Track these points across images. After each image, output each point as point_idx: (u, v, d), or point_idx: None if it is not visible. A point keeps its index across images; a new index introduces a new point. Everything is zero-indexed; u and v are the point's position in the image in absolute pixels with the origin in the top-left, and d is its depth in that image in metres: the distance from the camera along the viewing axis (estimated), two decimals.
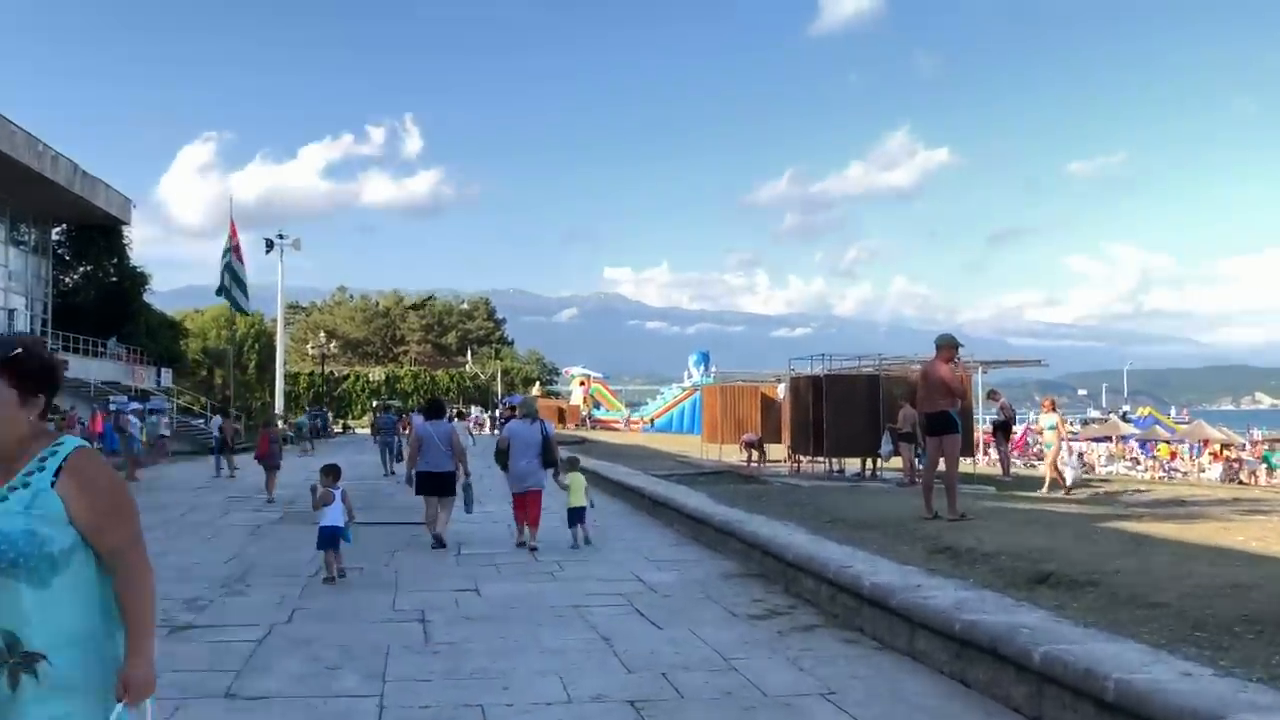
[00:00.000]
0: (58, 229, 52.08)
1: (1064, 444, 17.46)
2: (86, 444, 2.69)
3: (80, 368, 43.73)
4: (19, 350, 2.54)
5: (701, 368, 76.61)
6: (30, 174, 40.29)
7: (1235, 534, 9.29)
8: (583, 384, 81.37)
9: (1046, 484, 16.68)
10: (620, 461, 23.68)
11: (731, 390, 26.07)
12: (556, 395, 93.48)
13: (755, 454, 23.39)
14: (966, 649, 5.93)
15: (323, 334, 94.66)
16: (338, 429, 63.53)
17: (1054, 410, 17.66)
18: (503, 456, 11.70)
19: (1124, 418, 63.83)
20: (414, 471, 11.79)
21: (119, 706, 2.51)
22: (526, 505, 11.46)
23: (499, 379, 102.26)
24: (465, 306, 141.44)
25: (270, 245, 60.92)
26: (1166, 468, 42.08)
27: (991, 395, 19.56)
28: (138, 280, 56.36)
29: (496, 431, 50.06)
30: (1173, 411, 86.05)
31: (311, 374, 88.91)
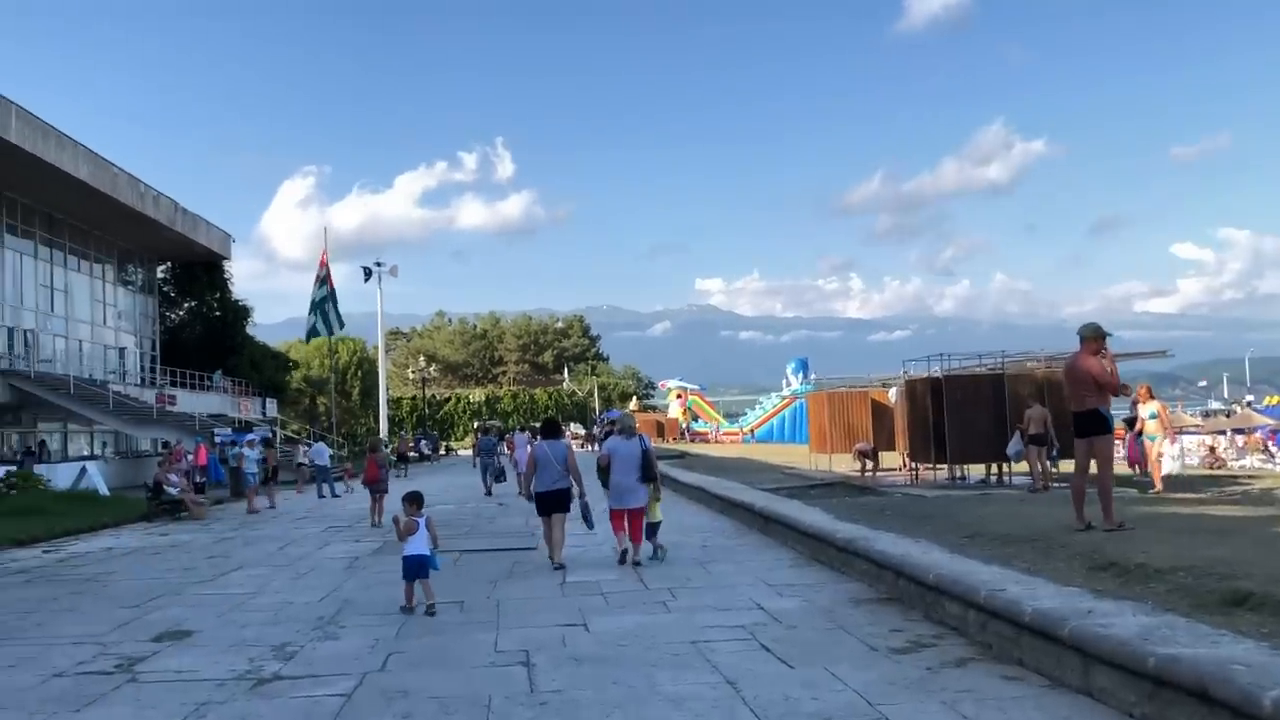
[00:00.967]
0: (162, 267, 53.43)
1: (1166, 435, 15.92)
2: None
3: (187, 401, 44.67)
4: None
5: (800, 375, 75.27)
6: (133, 214, 41.30)
7: None
8: (680, 397, 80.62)
9: (1158, 482, 15.29)
10: (724, 475, 22.82)
11: (839, 397, 24.97)
12: (653, 409, 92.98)
13: (869, 463, 22.30)
14: (1163, 689, 4.99)
15: (422, 358, 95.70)
16: (440, 451, 63.80)
17: (1152, 398, 16.14)
18: (604, 473, 11.60)
19: (1249, 407, 60.57)
20: (532, 491, 11.62)
21: None
22: (629, 521, 11.36)
23: (596, 395, 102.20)
24: (560, 325, 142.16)
25: (368, 274, 61.76)
26: None
27: (1123, 389, 18.19)
28: (240, 313, 57.50)
29: (592, 447, 49.63)
30: None
31: (414, 398, 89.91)
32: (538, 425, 15.15)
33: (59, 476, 28.56)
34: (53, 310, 40.77)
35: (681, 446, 55.89)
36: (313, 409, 71.94)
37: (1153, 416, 15.82)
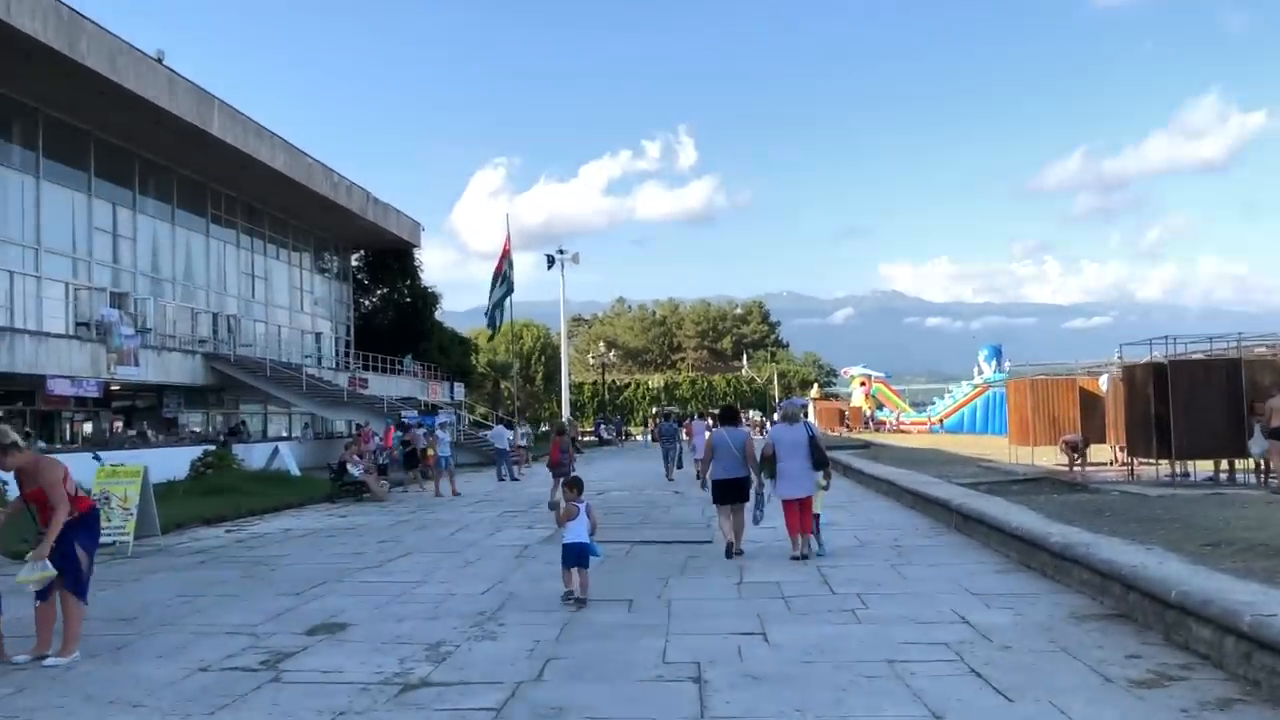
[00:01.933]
0: (356, 255, 55.33)
1: None
2: None
3: (379, 385, 46.01)
4: None
5: (993, 363, 71.73)
6: (327, 203, 42.74)
7: None
8: (863, 384, 78.27)
9: None
10: (914, 467, 21.45)
11: (1043, 384, 23.03)
12: (835, 397, 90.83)
13: (1077, 457, 20.47)
14: None
15: (602, 344, 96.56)
16: (621, 436, 64.04)
17: None
18: (769, 464, 11.15)
19: None
20: (710, 479, 11.46)
21: None
22: (800, 512, 10.89)
23: (776, 382, 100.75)
24: (739, 311, 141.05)
25: (551, 261, 62.36)
26: None
27: None
28: (429, 300, 59.00)
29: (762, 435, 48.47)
30: None
31: (595, 383, 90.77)
32: (716, 412, 14.70)
33: (254, 456, 29.65)
34: (254, 297, 42.61)
35: (866, 436, 54.03)
36: (496, 393, 73.40)
37: None
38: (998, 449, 31.58)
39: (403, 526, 15.30)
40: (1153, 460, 16.99)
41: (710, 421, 25.00)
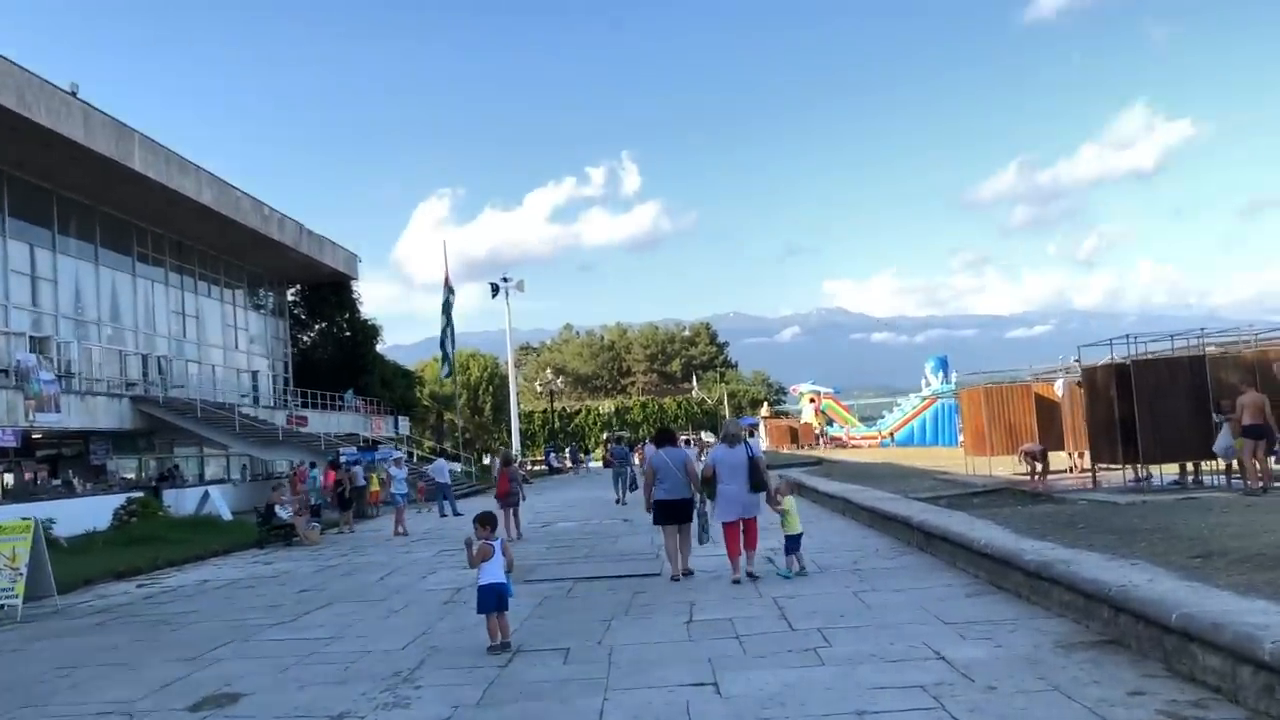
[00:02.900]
0: (292, 290, 53.93)
1: None
2: None
3: (319, 422, 44.64)
4: None
5: (940, 374, 71.79)
6: (258, 237, 41.46)
7: None
8: (813, 401, 77.94)
9: None
10: (869, 483, 20.76)
11: (998, 392, 22.45)
12: (785, 414, 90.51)
13: (1038, 465, 19.88)
14: None
15: (549, 370, 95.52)
16: (568, 463, 62.81)
17: None
18: (709, 485, 10.95)
19: None
20: (652, 500, 11.20)
21: None
22: (742, 533, 10.69)
23: (726, 402, 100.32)
24: (687, 333, 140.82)
25: (495, 289, 61.44)
26: None
27: None
28: (370, 332, 57.70)
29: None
30: None
31: (545, 411, 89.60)
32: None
33: (186, 502, 28.31)
34: (185, 336, 41.15)
35: (817, 453, 53.49)
36: (440, 425, 71.99)
37: None
38: (952, 460, 31.09)
39: (329, 573, 14.23)
40: (1117, 466, 16.42)
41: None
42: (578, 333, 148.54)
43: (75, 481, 31.17)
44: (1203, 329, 15.42)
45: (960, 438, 63.43)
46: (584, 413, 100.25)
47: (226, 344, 44.88)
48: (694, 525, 11.19)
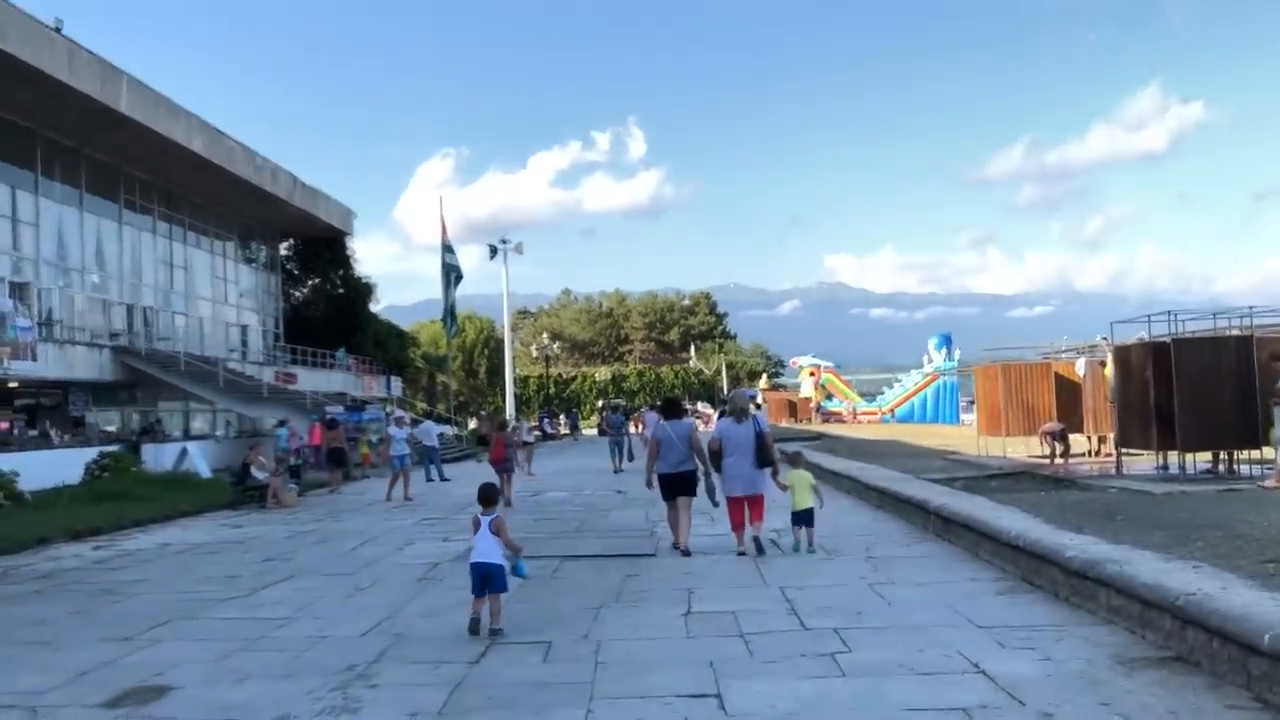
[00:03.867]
0: (285, 244, 52.81)
1: None
2: None
3: (309, 380, 43.65)
4: None
5: (943, 351, 70.86)
6: (251, 189, 40.29)
7: None
8: (812, 374, 76.98)
9: None
10: (875, 460, 19.85)
11: (1015, 370, 21.43)
12: (783, 388, 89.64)
13: (1059, 447, 18.93)
14: None
15: (545, 335, 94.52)
16: (564, 430, 61.90)
17: None
18: (715, 459, 10.70)
19: None
20: (655, 474, 10.85)
21: None
22: (746, 510, 10.48)
23: (724, 373, 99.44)
24: (686, 302, 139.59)
25: (494, 251, 60.35)
26: None
27: None
28: (364, 290, 56.71)
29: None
30: None
31: (541, 376, 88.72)
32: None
33: (167, 457, 27.40)
34: (173, 287, 40.07)
35: (817, 427, 52.60)
36: (433, 387, 71.01)
37: None
38: (958, 439, 30.20)
39: (301, 539, 13.29)
40: (1145, 452, 15.50)
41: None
42: (576, 298, 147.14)
43: (52, 433, 30.21)
44: (1251, 307, 14.38)
45: (962, 416, 63.18)
46: (580, 379, 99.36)
47: (216, 297, 43.80)
48: (700, 495, 10.86)
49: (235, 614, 8.13)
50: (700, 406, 69.74)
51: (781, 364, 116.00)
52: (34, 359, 27.86)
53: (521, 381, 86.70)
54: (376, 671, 6.16)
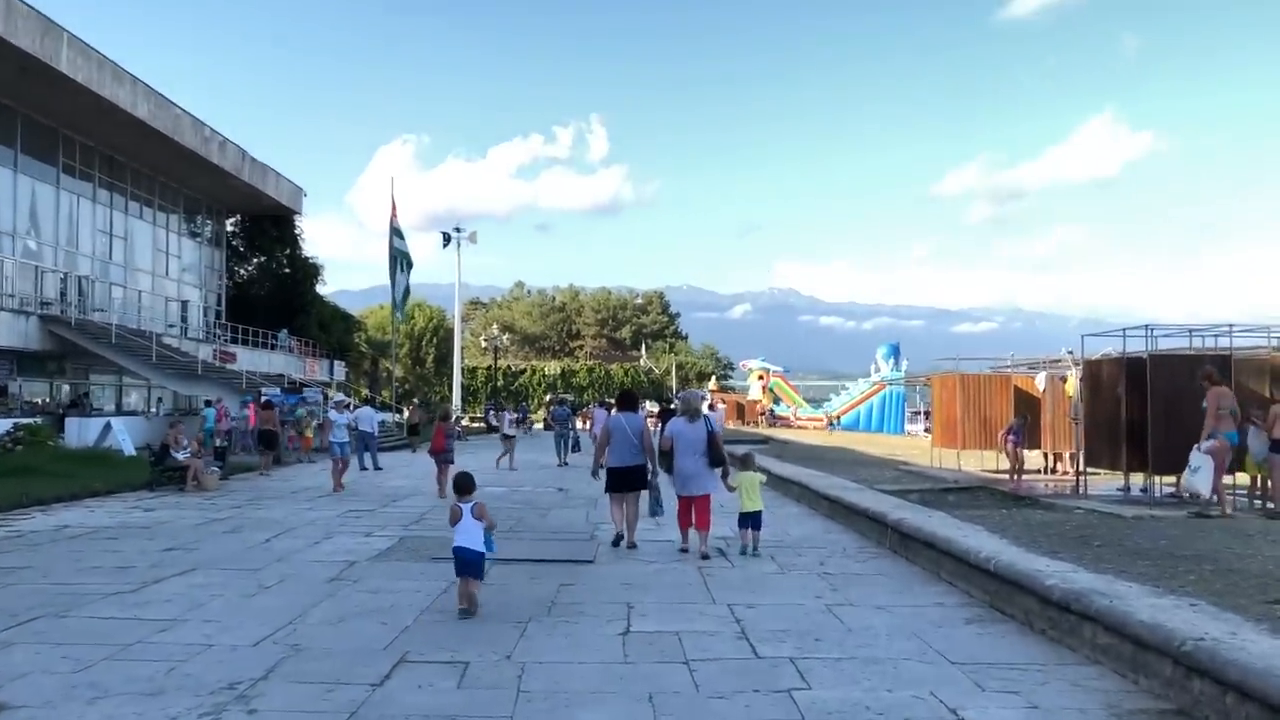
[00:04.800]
0: (231, 220, 51.29)
1: None
2: None
3: (249, 359, 42.36)
4: None
5: (891, 361, 70.92)
6: (197, 160, 38.89)
7: None
8: (761, 378, 76.65)
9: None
10: (824, 468, 19.22)
11: (974, 381, 20.90)
12: (732, 390, 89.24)
13: (1020, 458, 18.34)
14: None
15: (495, 326, 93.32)
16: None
17: None
18: (665, 458, 10.59)
19: None
20: (603, 467, 10.79)
21: None
22: (695, 510, 10.35)
23: (673, 373, 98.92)
24: (639, 301, 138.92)
25: (447, 239, 59.30)
26: None
27: None
28: (310, 271, 55.39)
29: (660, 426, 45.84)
30: None
31: (489, 368, 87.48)
32: (612, 400, 13.40)
33: (90, 432, 26.10)
34: (111, 258, 38.55)
35: (764, 431, 52.12)
36: (375, 372, 69.55)
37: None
38: (907, 449, 29.76)
39: (211, 527, 12.28)
40: (1103, 471, 14.97)
41: (608, 410, 23.30)
42: (529, 291, 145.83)
43: None
44: (1231, 325, 13.86)
45: (907, 426, 63.14)
46: (529, 372, 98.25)
47: (156, 270, 42.29)
48: (645, 496, 10.92)
49: (115, 612, 7.19)
50: (648, 405, 69.07)
51: (731, 366, 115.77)
52: None
53: (470, 372, 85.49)
54: (260, 692, 5.28)
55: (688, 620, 7.13)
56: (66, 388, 35.48)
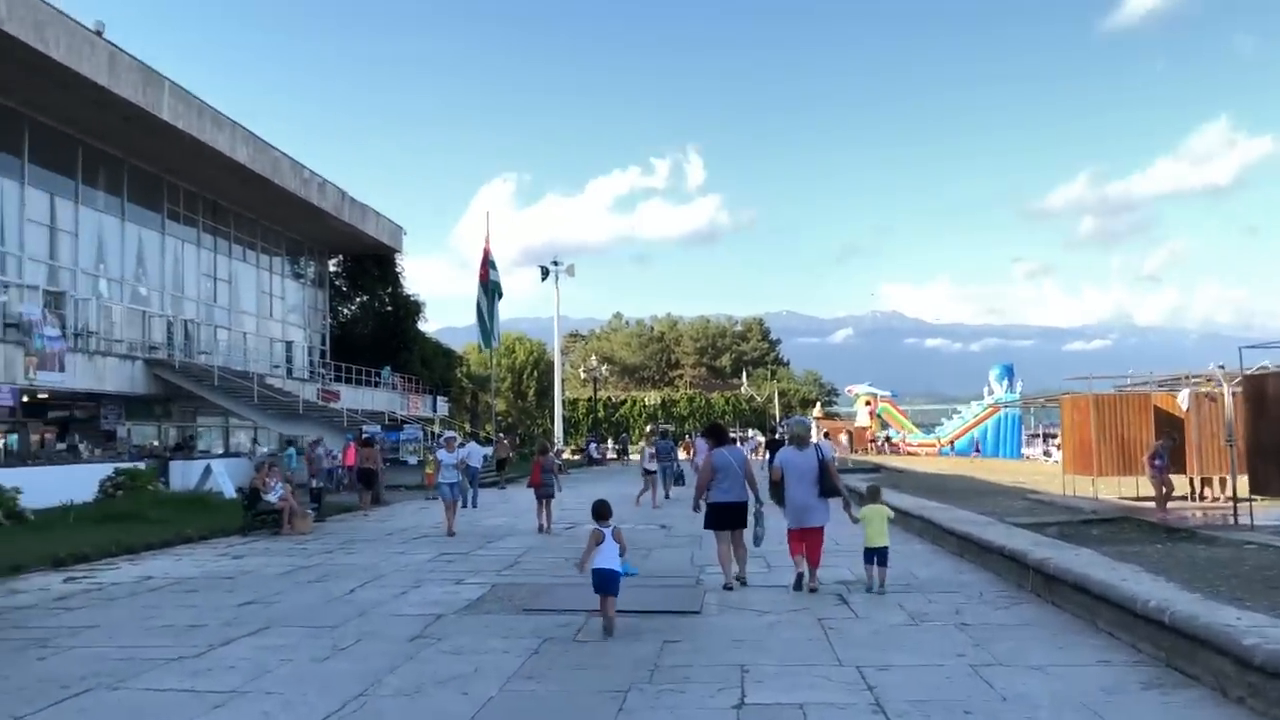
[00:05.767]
0: (334, 260, 52.09)
1: None
2: None
3: (352, 397, 42.64)
4: None
5: (1005, 383, 68.26)
6: (297, 201, 39.41)
7: None
8: (869, 403, 74.64)
9: None
10: (945, 499, 17.96)
11: (1109, 402, 19.31)
12: (837, 416, 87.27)
13: (1169, 487, 16.77)
14: None
15: (594, 357, 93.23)
16: (611, 455, 60.14)
17: None
18: (777, 489, 10.31)
19: None
20: (708, 502, 10.28)
21: None
22: (807, 544, 9.96)
23: (775, 400, 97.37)
24: (738, 328, 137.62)
25: (545, 273, 59.54)
26: None
27: None
28: (412, 309, 55.99)
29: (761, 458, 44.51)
30: None
31: (590, 400, 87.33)
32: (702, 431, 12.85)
33: (194, 475, 26.21)
34: (216, 301, 39.23)
35: (875, 459, 50.39)
36: (474, 407, 69.78)
37: None
38: (1031, 475, 28.12)
39: (296, 576, 11.67)
40: (1270, 499, 13.48)
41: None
42: (628, 322, 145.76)
43: (81, 447, 29.24)
44: None
45: (1024, 450, 60.59)
46: (629, 403, 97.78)
47: (260, 312, 42.98)
48: (749, 530, 10.40)
49: (172, 682, 6.50)
50: (752, 433, 67.74)
51: (835, 392, 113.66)
52: (61, 369, 26.92)
53: (571, 404, 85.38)
54: None
55: (811, 688, 6.15)
56: (174, 431, 36.03)
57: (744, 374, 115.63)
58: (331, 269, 52.10)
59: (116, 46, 27.85)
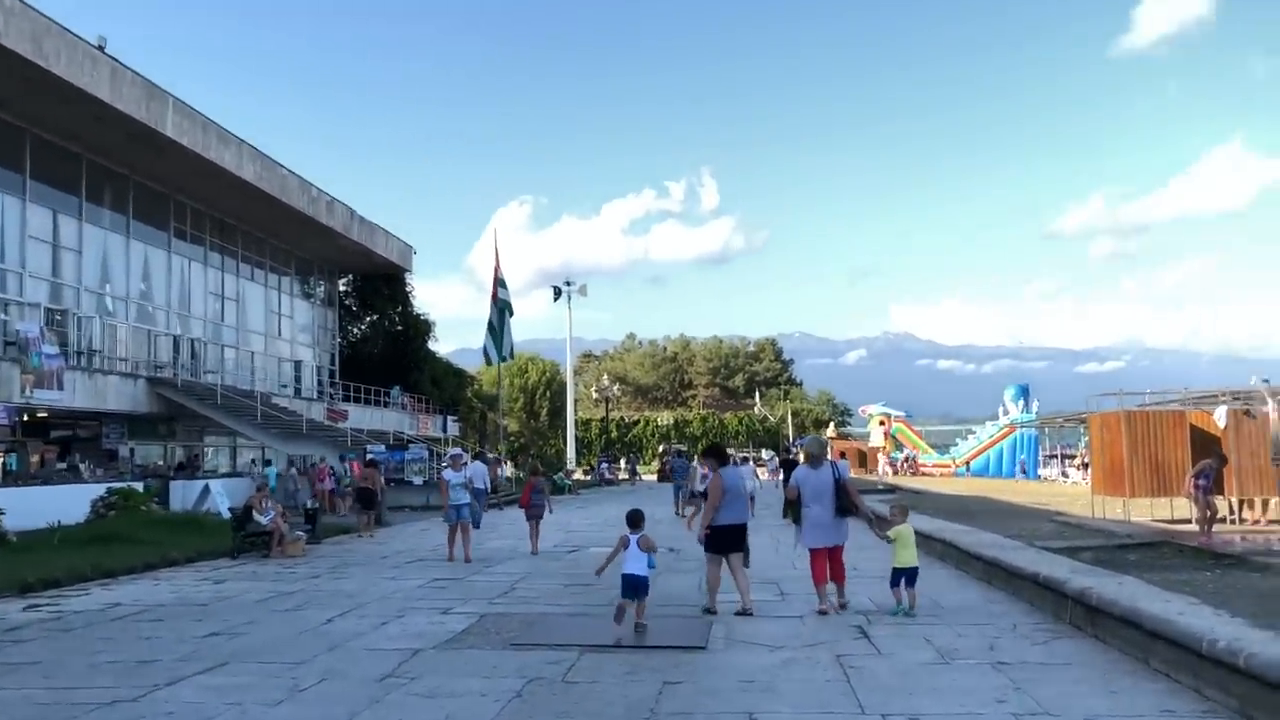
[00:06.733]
0: (343, 280, 51.65)
1: None
2: None
3: (360, 417, 42.04)
4: None
5: (1020, 403, 67.20)
6: (305, 220, 38.89)
7: None
8: (883, 423, 73.64)
9: None
10: (968, 521, 17.08)
11: (1142, 419, 18.37)
12: (850, 437, 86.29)
13: (1212, 510, 15.81)
14: None
15: (606, 377, 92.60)
16: (623, 475, 59.38)
17: None
18: (793, 508, 10.28)
19: None
20: (711, 524, 9.98)
21: None
22: (830, 562, 9.88)
23: (789, 420, 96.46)
24: (751, 348, 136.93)
25: (558, 293, 59.21)
26: None
27: None
28: (422, 328, 55.53)
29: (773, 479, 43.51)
30: None
31: (603, 420, 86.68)
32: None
33: (194, 495, 25.57)
34: (223, 320, 38.66)
35: (890, 480, 49.42)
36: (483, 426, 69.15)
37: None
38: (1052, 496, 27.19)
39: (273, 603, 10.86)
40: None
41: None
42: (641, 343, 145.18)
43: (82, 466, 28.62)
44: None
45: (1040, 470, 59.53)
46: (642, 423, 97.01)
47: (269, 331, 42.40)
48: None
49: None
50: (764, 454, 66.87)
51: (848, 413, 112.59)
52: (60, 388, 26.31)
53: (583, 424, 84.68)
54: None
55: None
56: (180, 450, 35.43)
57: (757, 394, 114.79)
58: (341, 288, 51.64)
59: (119, 62, 27.37)
